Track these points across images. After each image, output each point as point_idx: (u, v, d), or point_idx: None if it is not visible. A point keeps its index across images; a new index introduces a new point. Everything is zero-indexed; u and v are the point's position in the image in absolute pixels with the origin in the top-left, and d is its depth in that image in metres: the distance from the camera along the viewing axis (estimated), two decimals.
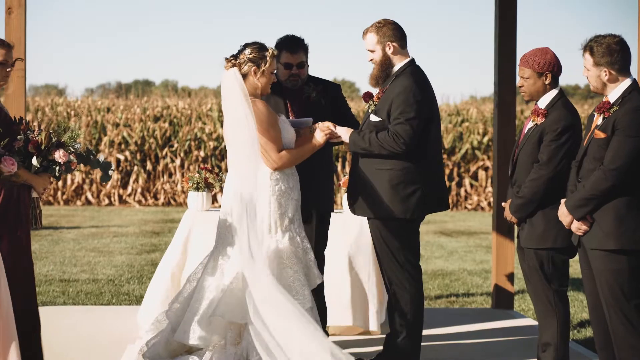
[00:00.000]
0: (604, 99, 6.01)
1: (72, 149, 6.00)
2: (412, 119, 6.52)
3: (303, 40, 7.43)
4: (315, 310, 6.54)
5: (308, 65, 7.47)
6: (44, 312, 8.82)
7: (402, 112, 6.53)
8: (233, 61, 6.50)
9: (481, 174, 25.90)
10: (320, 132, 6.69)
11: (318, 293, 7.13)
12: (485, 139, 26.19)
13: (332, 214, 7.61)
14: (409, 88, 6.57)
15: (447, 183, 25.82)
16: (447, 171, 25.89)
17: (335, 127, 6.74)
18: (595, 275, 6.02)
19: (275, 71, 6.65)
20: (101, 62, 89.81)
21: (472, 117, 27.38)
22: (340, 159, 25.37)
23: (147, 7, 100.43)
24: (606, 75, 5.97)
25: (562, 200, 6.16)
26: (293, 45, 7.36)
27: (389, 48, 6.73)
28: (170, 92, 32.60)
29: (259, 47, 6.51)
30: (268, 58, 6.50)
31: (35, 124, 6.41)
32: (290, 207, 6.50)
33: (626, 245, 5.88)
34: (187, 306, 6.52)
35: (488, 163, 25.94)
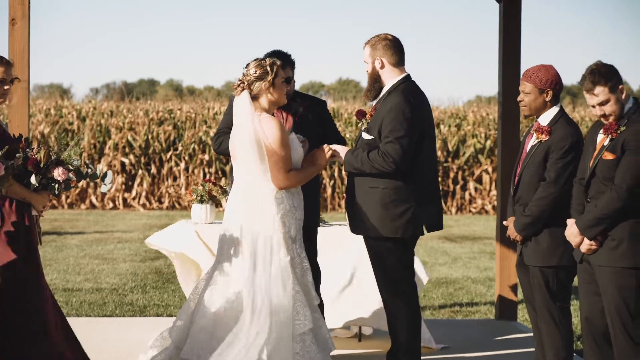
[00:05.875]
0: (611, 119, 5.98)
1: (72, 167, 5.97)
2: (401, 137, 6.49)
3: (290, 55, 7.41)
4: (323, 329, 6.53)
5: (294, 81, 7.47)
6: None
7: (392, 131, 6.50)
8: (242, 85, 6.48)
9: (485, 177, 25.89)
10: (322, 153, 6.67)
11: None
12: (488, 143, 26.17)
13: (339, 226, 7.65)
14: (399, 106, 6.54)
15: (451, 187, 25.80)
16: (451, 175, 25.86)
17: (333, 148, 6.74)
18: (603, 292, 6.01)
19: (283, 81, 6.60)
20: (106, 62, 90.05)
21: (475, 121, 27.34)
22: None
23: (152, 7, 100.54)
24: (623, 94, 5.96)
25: (570, 221, 6.14)
26: (280, 61, 7.32)
27: (378, 63, 6.74)
28: (175, 92, 32.61)
29: (260, 63, 6.48)
30: (269, 68, 6.47)
31: (35, 144, 6.29)
32: (294, 226, 6.47)
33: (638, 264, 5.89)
34: (190, 323, 6.51)
35: (492, 166, 25.92)
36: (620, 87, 5.97)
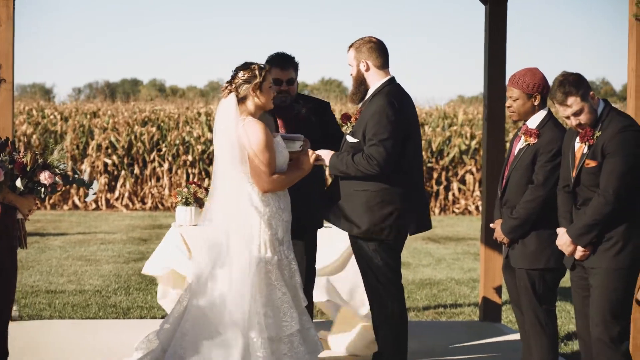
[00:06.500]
0: (586, 128, 6.01)
1: (58, 170, 5.95)
2: (385, 140, 6.50)
3: (293, 57, 7.45)
4: (311, 331, 6.54)
5: (297, 83, 7.48)
6: (31, 326, 8.84)
7: (376, 134, 6.51)
8: (230, 87, 6.48)
9: (469, 177, 25.92)
10: (307, 158, 6.68)
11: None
12: (473, 143, 26.20)
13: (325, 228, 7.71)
14: (383, 108, 6.55)
15: (435, 187, 25.83)
16: (434, 175, 25.89)
17: (317, 153, 6.75)
18: (591, 292, 6.04)
19: (271, 86, 6.63)
20: (89, 61, 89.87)
21: (459, 121, 27.37)
22: None
23: (135, 7, 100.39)
24: (594, 100, 6.02)
25: (561, 230, 6.16)
26: (283, 62, 7.36)
27: (363, 65, 6.75)
28: (158, 92, 32.53)
29: (249, 67, 6.49)
30: (257, 72, 6.47)
31: (22, 148, 6.27)
32: (280, 228, 6.47)
33: (630, 263, 5.96)
34: (177, 326, 6.50)
35: (476, 167, 25.95)
36: (591, 93, 6.01)
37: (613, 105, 6.13)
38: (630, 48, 7.11)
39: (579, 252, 6.06)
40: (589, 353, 6.23)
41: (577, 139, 6.08)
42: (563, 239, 6.13)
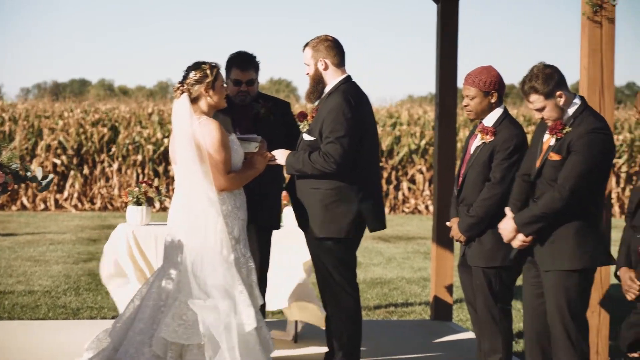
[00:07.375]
0: (556, 121, 5.99)
1: (9, 170, 5.88)
2: (342, 137, 6.50)
3: (254, 57, 7.42)
4: (264, 330, 6.53)
5: (258, 83, 7.46)
6: None
7: (332, 131, 6.52)
8: (182, 88, 6.45)
9: (418, 177, 26.02)
10: (261, 157, 6.67)
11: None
12: (423, 143, 26.30)
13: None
14: (339, 106, 6.55)
15: (385, 187, 25.90)
16: (384, 174, 25.96)
17: (272, 153, 6.76)
18: (545, 293, 6.03)
19: (224, 84, 6.60)
20: (36, 61, 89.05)
21: (408, 121, 27.46)
22: None
23: (83, 7, 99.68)
24: (562, 99, 5.95)
25: (509, 215, 6.13)
26: (243, 63, 7.33)
27: (322, 64, 6.74)
28: (107, 92, 32.30)
29: (200, 66, 6.46)
30: (208, 71, 6.45)
31: None
32: (237, 227, 6.46)
33: (585, 265, 5.92)
34: (130, 325, 6.46)
35: (426, 166, 26.05)
36: (557, 93, 5.94)
37: None
38: (582, 46, 7.16)
39: (519, 240, 6.05)
40: (534, 350, 6.24)
41: (547, 131, 6.06)
42: (507, 224, 6.10)
